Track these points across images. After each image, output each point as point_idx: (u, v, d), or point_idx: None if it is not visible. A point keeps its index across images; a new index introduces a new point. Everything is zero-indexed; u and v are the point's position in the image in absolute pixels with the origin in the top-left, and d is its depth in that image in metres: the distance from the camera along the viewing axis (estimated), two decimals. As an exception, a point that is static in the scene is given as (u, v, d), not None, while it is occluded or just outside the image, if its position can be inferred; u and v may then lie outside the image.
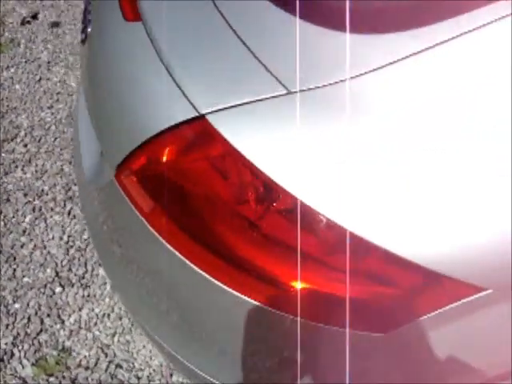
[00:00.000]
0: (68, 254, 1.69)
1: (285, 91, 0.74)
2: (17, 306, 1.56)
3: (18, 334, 1.50)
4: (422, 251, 0.69)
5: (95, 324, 1.55)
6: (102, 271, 1.66)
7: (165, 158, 0.79)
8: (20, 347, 1.48)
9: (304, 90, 0.74)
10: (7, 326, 1.52)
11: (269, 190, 0.73)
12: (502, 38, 0.71)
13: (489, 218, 0.67)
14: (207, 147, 0.76)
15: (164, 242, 0.81)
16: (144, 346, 1.50)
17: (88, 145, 1.19)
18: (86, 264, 1.67)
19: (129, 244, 0.94)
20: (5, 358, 1.45)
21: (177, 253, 0.80)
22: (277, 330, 0.78)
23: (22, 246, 1.70)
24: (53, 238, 1.74)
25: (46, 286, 1.60)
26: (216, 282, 0.78)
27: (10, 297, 1.58)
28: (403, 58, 0.73)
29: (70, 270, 1.65)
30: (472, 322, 0.72)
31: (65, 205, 1.84)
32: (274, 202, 0.74)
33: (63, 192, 1.89)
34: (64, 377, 1.42)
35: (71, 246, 1.71)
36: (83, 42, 1.11)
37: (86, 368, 1.44)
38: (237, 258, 0.77)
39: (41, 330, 1.51)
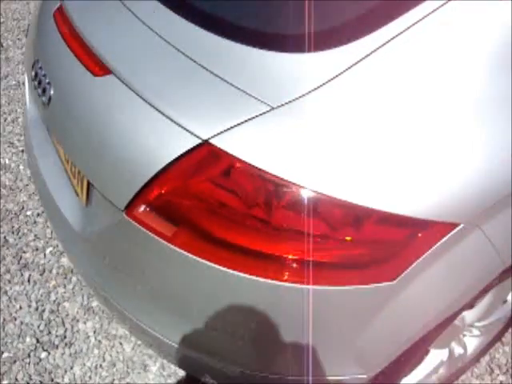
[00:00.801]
0: (43, 319, 1.68)
1: (269, 108, 0.89)
2: (5, 382, 1.52)
3: (15, 409, 1.47)
4: (407, 205, 0.87)
5: (90, 377, 1.56)
6: (81, 326, 1.67)
7: (180, 184, 0.90)
8: (21, 421, 1.45)
9: (283, 105, 0.90)
10: (1, 405, 1.48)
11: (277, 187, 0.87)
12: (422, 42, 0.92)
13: (454, 167, 0.87)
14: (217, 165, 0.89)
15: (189, 255, 0.92)
16: (146, 384, 1.55)
17: (68, 201, 1.25)
18: (63, 323, 1.67)
19: (147, 267, 1.02)
20: None
21: (201, 259, 0.92)
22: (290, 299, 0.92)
23: (-10, 324, 1.66)
24: (20, 307, 1.71)
25: (29, 355, 1.58)
26: (239, 274, 0.91)
27: (-5, 376, 1.53)
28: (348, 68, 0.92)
29: (49, 333, 1.64)
30: (454, 254, 0.92)
31: (22, 274, 1.82)
32: (281, 197, 0.88)
33: (15, 262, 1.86)
34: None
35: (43, 310, 1.70)
36: (46, 104, 1.18)
37: (98, 420, 1.45)
38: (254, 250, 0.91)
39: (38, 399, 1.50)
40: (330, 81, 0.92)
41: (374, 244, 0.90)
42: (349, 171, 0.86)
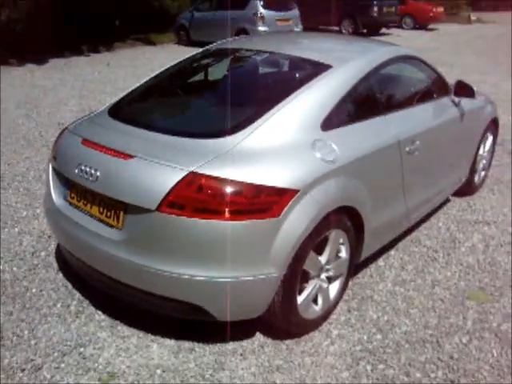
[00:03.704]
0: (81, 338, 2.58)
1: (216, 155, 2.22)
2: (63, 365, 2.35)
3: None
4: (278, 182, 2.20)
5: (124, 361, 2.44)
6: (110, 340, 2.56)
7: (182, 193, 2.16)
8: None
9: (222, 154, 2.23)
10: None
11: (224, 186, 2.14)
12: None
13: (290, 168, 2.25)
14: (199, 181, 2.14)
15: (195, 219, 2.13)
16: None
17: (106, 233, 2.37)
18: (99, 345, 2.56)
19: (173, 235, 2.20)
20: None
21: (199, 219, 2.15)
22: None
23: None
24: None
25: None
26: (213, 220, 2.16)
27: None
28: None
29: (90, 341, 2.55)
30: (300, 204, 2.23)
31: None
32: (226, 191, 2.14)
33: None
34: None
35: (79, 336, 2.60)
36: (95, 180, 2.34)
37: None
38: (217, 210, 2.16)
39: None
40: (238, 143, 2.30)
41: (268, 203, 2.20)
42: (256, 171, 2.19)
